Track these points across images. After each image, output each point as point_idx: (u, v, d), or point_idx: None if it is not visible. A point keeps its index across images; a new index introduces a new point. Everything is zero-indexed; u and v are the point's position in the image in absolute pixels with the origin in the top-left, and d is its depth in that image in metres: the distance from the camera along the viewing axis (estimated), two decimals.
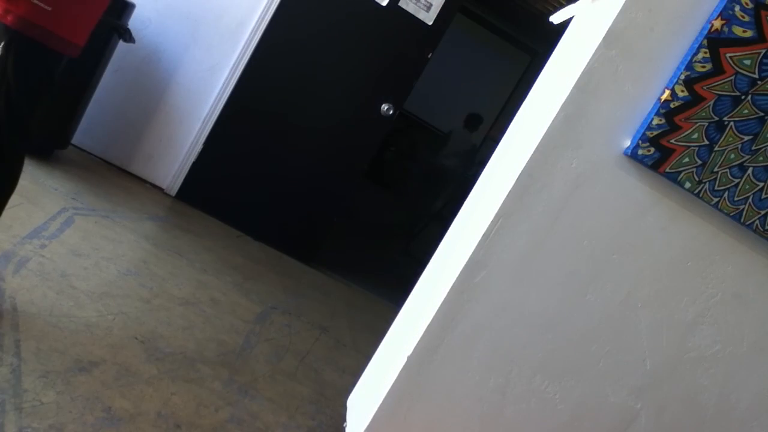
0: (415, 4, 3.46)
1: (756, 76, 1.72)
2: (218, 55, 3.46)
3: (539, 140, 1.75)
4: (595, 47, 1.71)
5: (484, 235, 1.78)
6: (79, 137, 3.39)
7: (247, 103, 3.52)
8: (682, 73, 1.69)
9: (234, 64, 3.47)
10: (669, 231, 1.82)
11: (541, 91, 2.09)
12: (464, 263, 1.79)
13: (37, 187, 2.71)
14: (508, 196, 1.76)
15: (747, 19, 1.68)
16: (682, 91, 1.70)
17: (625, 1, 1.69)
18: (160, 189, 3.58)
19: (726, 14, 1.67)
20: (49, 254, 2.21)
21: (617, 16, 1.70)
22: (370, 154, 3.71)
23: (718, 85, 1.71)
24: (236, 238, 3.48)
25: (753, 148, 1.77)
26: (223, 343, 2.28)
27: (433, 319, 1.81)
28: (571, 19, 2.26)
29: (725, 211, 1.80)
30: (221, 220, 3.57)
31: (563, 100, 1.73)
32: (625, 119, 1.75)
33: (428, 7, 3.48)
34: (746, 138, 1.76)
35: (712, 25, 1.67)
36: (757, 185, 1.80)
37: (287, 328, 2.69)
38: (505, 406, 1.88)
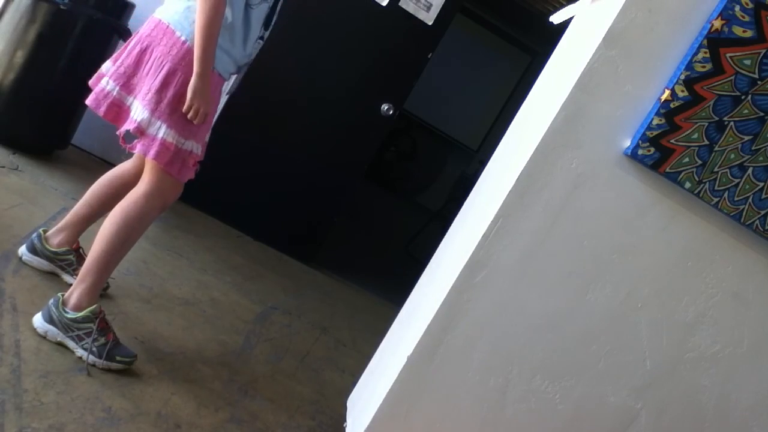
0: (415, 4, 3.46)
1: (756, 76, 1.72)
2: None
3: (539, 140, 1.75)
4: (595, 47, 1.71)
5: (484, 235, 1.78)
6: (79, 137, 3.39)
7: (247, 103, 3.52)
8: (682, 73, 1.69)
9: None
10: (669, 231, 1.82)
11: (541, 91, 2.09)
12: (464, 263, 1.79)
13: (37, 187, 2.71)
14: (508, 196, 1.76)
15: (747, 19, 1.68)
16: (682, 91, 1.70)
17: (625, 1, 1.69)
18: None
19: (726, 14, 1.67)
20: None
21: (617, 16, 1.70)
22: (370, 154, 3.71)
23: (718, 85, 1.71)
24: (236, 238, 3.48)
25: (753, 148, 1.77)
26: (223, 343, 2.28)
27: (433, 319, 1.81)
28: (571, 19, 2.26)
29: (725, 211, 1.80)
30: (221, 220, 3.57)
31: (563, 100, 1.73)
32: (625, 119, 1.75)
33: (428, 7, 3.47)
34: (746, 138, 1.76)
35: (712, 25, 1.67)
36: (757, 185, 1.80)
37: (287, 328, 2.69)
38: (505, 406, 1.88)
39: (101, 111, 1.84)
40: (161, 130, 1.76)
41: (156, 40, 1.78)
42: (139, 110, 1.77)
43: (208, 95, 1.79)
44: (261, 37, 1.95)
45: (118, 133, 1.82)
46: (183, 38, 1.76)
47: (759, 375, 1.93)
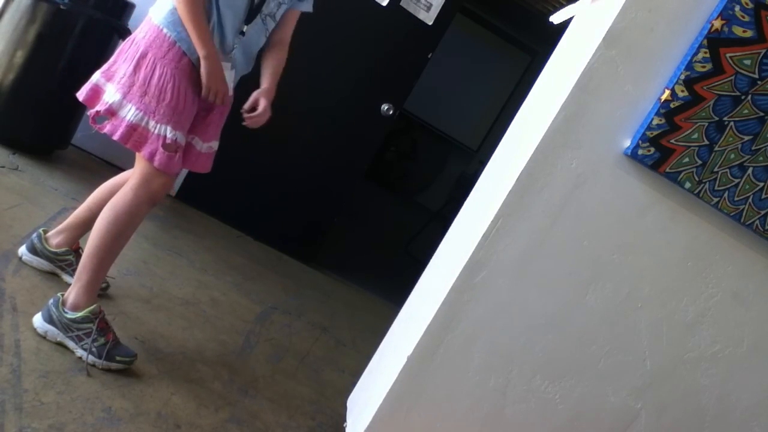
0: (415, 4, 3.46)
1: (756, 76, 1.72)
2: None
3: (539, 140, 1.75)
4: (595, 47, 1.71)
5: (484, 235, 1.78)
6: (79, 137, 3.39)
7: None
8: (682, 73, 1.69)
9: None
10: (669, 231, 1.82)
11: (541, 91, 2.09)
12: (464, 263, 1.79)
13: (37, 187, 2.71)
14: (508, 196, 1.76)
15: (747, 19, 1.68)
16: (682, 91, 1.70)
17: (625, 1, 1.69)
18: None
19: (726, 14, 1.67)
20: None
21: (617, 16, 1.70)
22: (370, 154, 3.71)
23: (718, 85, 1.71)
24: (236, 238, 3.48)
25: (753, 148, 1.77)
26: (223, 343, 2.28)
27: (433, 319, 1.81)
28: (571, 19, 2.26)
29: (725, 211, 1.80)
30: (221, 220, 3.57)
31: (563, 100, 1.73)
32: (625, 119, 1.75)
33: (428, 7, 3.47)
34: (746, 138, 1.76)
35: (712, 25, 1.67)
36: (757, 185, 1.80)
37: (287, 328, 2.69)
38: (505, 406, 1.88)
39: (82, 97, 1.89)
40: (130, 112, 1.80)
41: (138, 30, 1.87)
42: (111, 92, 1.82)
43: (221, 76, 1.86)
44: (242, 32, 1.94)
45: (88, 113, 1.86)
46: (156, 23, 1.83)
47: (759, 375, 1.93)
